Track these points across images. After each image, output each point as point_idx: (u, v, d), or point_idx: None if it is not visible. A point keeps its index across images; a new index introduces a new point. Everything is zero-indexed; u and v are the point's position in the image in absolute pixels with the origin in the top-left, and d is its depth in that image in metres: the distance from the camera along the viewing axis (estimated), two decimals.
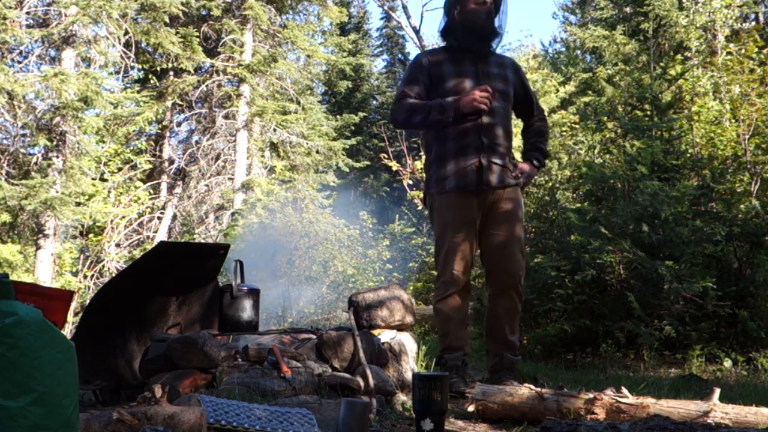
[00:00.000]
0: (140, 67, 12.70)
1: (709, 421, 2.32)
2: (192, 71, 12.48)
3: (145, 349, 2.81)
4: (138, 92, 12.42)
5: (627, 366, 4.65)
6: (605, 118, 6.67)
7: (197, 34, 12.19)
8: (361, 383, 2.55)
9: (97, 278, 11.33)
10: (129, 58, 10.76)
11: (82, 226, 11.66)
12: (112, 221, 11.86)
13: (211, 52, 12.99)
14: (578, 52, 14.74)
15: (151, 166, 13.80)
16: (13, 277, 8.67)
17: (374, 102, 22.38)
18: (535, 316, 5.51)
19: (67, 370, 1.32)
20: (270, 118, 12.53)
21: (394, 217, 9.52)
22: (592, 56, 13.79)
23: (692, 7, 9.08)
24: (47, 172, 9.78)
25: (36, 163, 10.09)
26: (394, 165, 9.71)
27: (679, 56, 8.46)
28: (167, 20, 11.42)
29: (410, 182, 9.37)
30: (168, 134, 14.28)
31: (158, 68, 12.72)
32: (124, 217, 12.07)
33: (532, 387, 2.59)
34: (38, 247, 9.95)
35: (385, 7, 22.40)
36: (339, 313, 7.28)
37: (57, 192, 9.44)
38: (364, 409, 1.99)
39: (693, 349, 4.69)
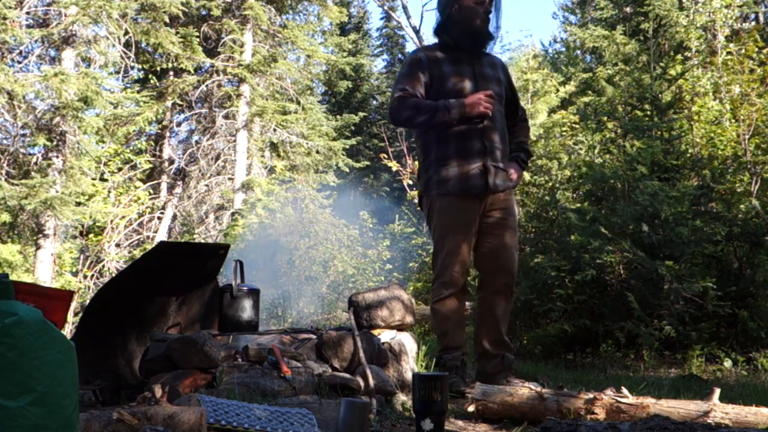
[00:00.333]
0: (140, 67, 12.70)
1: (709, 421, 2.32)
2: (192, 71, 12.48)
3: (145, 349, 2.81)
4: (138, 92, 12.42)
5: (627, 366, 4.65)
6: (605, 118, 6.67)
7: (197, 34, 12.19)
8: (361, 383, 2.55)
9: (97, 278, 11.33)
10: (129, 58, 10.76)
11: (82, 226, 11.66)
12: (112, 221, 11.86)
13: (211, 52, 12.99)
14: (578, 52, 14.74)
15: (151, 166, 13.80)
16: (13, 277, 8.67)
17: (374, 102, 22.38)
18: (535, 316, 5.51)
19: (67, 370, 1.32)
20: (270, 118, 12.53)
21: (394, 217, 9.50)
22: (592, 56, 13.80)
23: (692, 7, 9.08)
24: (47, 172, 9.79)
25: (36, 163, 10.09)
26: (394, 165, 9.70)
27: (679, 56, 8.46)
28: (167, 20, 11.42)
29: (410, 182, 9.37)
30: (168, 134, 14.28)
31: (158, 68, 12.72)
32: (124, 217, 12.07)
33: (532, 387, 2.59)
34: (38, 247, 9.95)
35: (385, 7, 22.40)
36: (339, 313, 7.27)
37: (57, 192, 9.44)
38: (364, 409, 1.99)
39: (693, 349, 4.69)
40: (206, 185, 12.95)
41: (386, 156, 10.35)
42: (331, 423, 2.07)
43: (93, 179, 10.83)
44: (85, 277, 11.24)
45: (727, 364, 4.55)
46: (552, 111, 10.83)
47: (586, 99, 10.74)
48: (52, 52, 10.80)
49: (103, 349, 2.78)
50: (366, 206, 10.10)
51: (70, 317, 7.13)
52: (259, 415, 1.97)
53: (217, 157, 13.08)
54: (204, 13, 13.00)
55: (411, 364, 3.01)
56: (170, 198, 13.54)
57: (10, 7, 8.98)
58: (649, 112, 6.12)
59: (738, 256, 5.30)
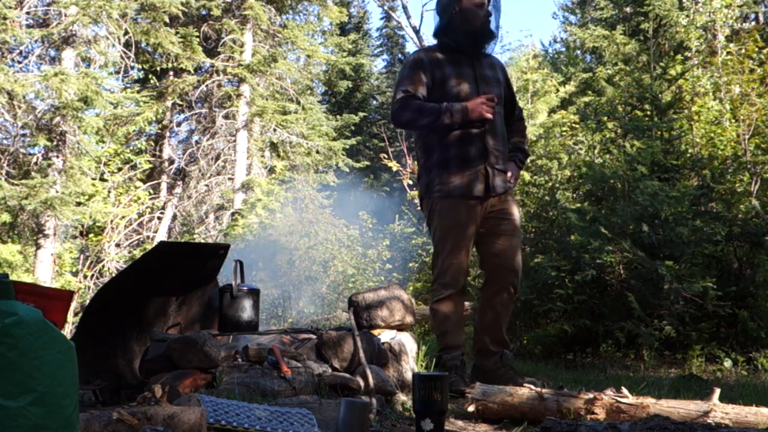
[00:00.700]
0: (140, 67, 12.69)
1: (709, 421, 2.32)
2: (192, 71, 12.48)
3: (145, 349, 2.81)
4: (138, 92, 12.41)
5: (627, 366, 4.65)
6: (605, 118, 6.67)
7: (197, 34, 12.18)
8: (361, 383, 2.55)
9: (97, 278, 11.33)
10: (129, 58, 10.75)
11: (82, 226, 11.66)
12: (112, 221, 11.86)
13: (211, 52, 12.99)
14: (578, 52, 14.73)
15: (151, 166, 13.79)
16: (13, 277, 8.67)
17: (374, 102, 22.37)
18: (535, 316, 5.51)
19: (67, 370, 1.32)
20: (270, 118, 12.53)
21: (394, 217, 9.50)
22: (592, 56, 13.79)
23: (692, 7, 9.07)
24: (47, 172, 9.78)
25: (36, 163, 10.09)
26: (394, 165, 9.70)
27: (679, 56, 8.45)
28: (167, 20, 11.42)
29: (410, 182, 9.36)
30: (168, 134, 14.28)
31: (158, 68, 12.71)
32: (124, 217, 12.06)
33: (532, 387, 2.59)
34: (38, 247, 9.95)
35: (385, 7, 22.39)
36: (339, 313, 7.27)
37: (57, 192, 9.43)
38: (364, 409, 1.99)
39: (693, 349, 4.69)
40: (206, 185, 12.95)
41: (386, 156, 10.35)
42: (331, 423, 2.07)
43: (93, 179, 10.83)
44: (85, 277, 11.24)
45: (727, 364, 4.55)
46: (552, 111, 10.82)
47: (586, 99, 10.73)
48: (52, 52, 10.80)
49: (103, 349, 2.78)
50: (366, 206, 10.09)
51: (70, 317, 7.13)
52: (259, 415, 1.97)
53: (217, 157, 13.08)
54: (204, 13, 13.00)
55: (411, 364, 3.01)
56: (170, 198, 13.53)
57: (10, 7, 8.98)
58: (649, 112, 6.12)
59: (738, 256, 5.30)
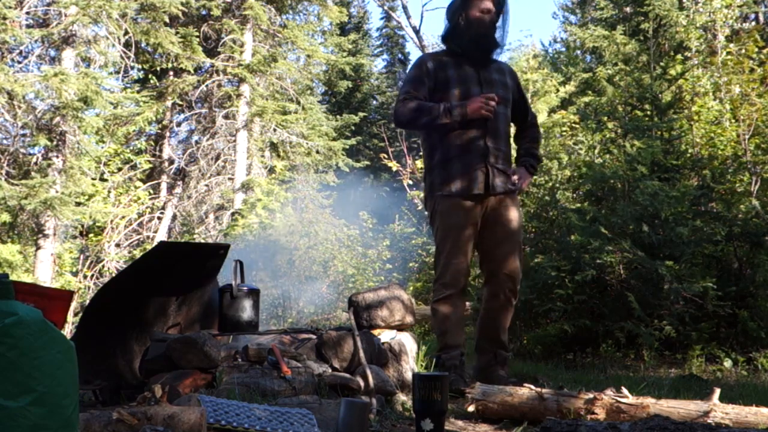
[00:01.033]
0: (140, 67, 12.69)
1: (709, 421, 2.32)
2: (192, 71, 12.48)
3: (145, 349, 2.81)
4: (138, 92, 12.41)
5: (627, 366, 4.65)
6: (605, 118, 6.67)
7: (197, 34, 12.18)
8: (361, 383, 2.55)
9: (97, 278, 11.33)
10: (129, 58, 10.75)
11: (82, 226, 11.66)
12: (112, 221, 11.86)
13: (211, 52, 12.99)
14: (578, 52, 14.73)
15: (151, 166, 13.79)
16: (13, 277, 8.67)
17: (374, 102, 22.37)
18: (535, 316, 5.51)
19: (67, 370, 1.32)
20: (270, 118, 12.53)
21: (394, 217, 9.50)
22: (592, 56, 13.79)
23: (692, 7, 9.07)
24: (47, 172, 9.78)
25: (36, 163, 10.09)
26: (394, 165, 9.70)
27: (679, 56, 8.46)
28: (167, 20, 11.42)
29: (410, 182, 9.37)
30: (168, 134, 14.28)
31: (158, 68, 12.71)
32: (124, 217, 12.06)
33: (532, 387, 2.59)
34: (38, 247, 9.95)
35: (385, 7, 22.39)
36: (339, 313, 7.27)
37: (57, 192, 9.43)
38: (364, 409, 1.99)
39: (693, 349, 4.69)
40: (206, 185, 12.94)
41: (386, 156, 10.35)
42: (331, 423, 2.07)
43: (93, 179, 10.83)
44: (85, 277, 11.24)
45: (727, 364, 4.55)
46: (552, 111, 10.82)
47: (586, 99, 10.74)
48: (52, 52, 10.80)
49: (103, 349, 2.78)
50: (366, 206, 10.09)
51: (70, 317, 7.13)
52: (259, 415, 1.97)
53: (217, 157, 13.08)
54: (204, 13, 13.00)
55: (411, 364, 3.01)
56: (170, 198, 13.53)
57: (10, 7, 8.98)
58: (649, 112, 6.12)
59: (738, 256, 5.30)
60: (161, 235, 12.85)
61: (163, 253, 2.94)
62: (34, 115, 9.76)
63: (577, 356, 5.12)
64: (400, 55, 24.61)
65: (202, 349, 2.51)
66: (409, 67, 3.49)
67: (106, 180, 12.14)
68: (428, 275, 7.91)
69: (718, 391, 2.47)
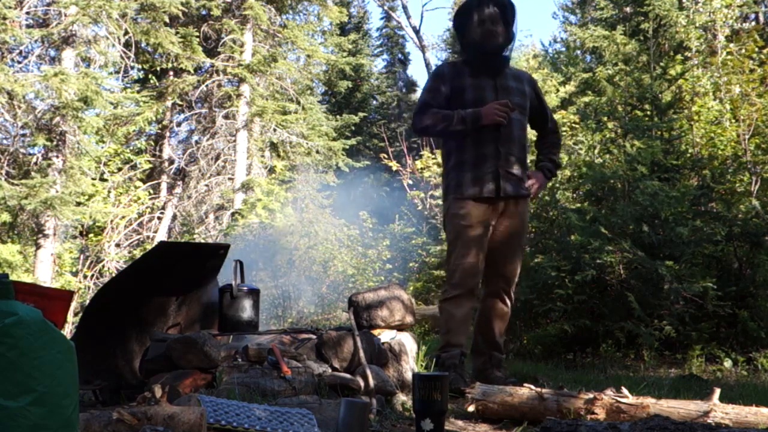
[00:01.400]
0: (140, 67, 12.68)
1: (709, 421, 2.32)
2: (192, 71, 12.47)
3: (145, 349, 2.81)
4: (138, 92, 12.40)
5: (627, 366, 4.65)
6: (605, 118, 6.67)
7: (197, 34, 12.17)
8: (361, 383, 2.55)
9: (97, 278, 11.32)
10: (129, 58, 10.74)
11: (82, 226, 11.65)
12: (112, 221, 11.85)
13: (211, 52, 12.98)
14: (578, 52, 14.73)
15: (151, 166, 13.79)
16: (13, 277, 8.67)
17: (374, 102, 22.37)
18: (535, 316, 5.51)
19: (67, 370, 1.32)
20: (270, 118, 12.52)
21: (394, 217, 9.51)
22: (592, 56, 13.78)
23: (692, 7, 9.06)
24: (47, 172, 9.78)
25: (36, 163, 10.08)
26: (394, 165, 9.71)
27: (679, 56, 8.46)
28: (167, 20, 11.41)
29: (410, 182, 9.37)
30: (168, 134, 14.27)
31: (158, 68, 12.70)
32: (124, 217, 12.06)
33: (532, 387, 2.59)
34: (38, 247, 9.94)
35: (385, 7, 22.41)
36: (339, 313, 7.27)
37: (57, 192, 9.43)
38: (364, 409, 1.99)
39: (693, 349, 4.69)
40: (206, 185, 12.94)
41: (386, 156, 10.35)
42: (331, 423, 2.07)
43: (93, 179, 10.82)
44: (85, 277, 11.23)
45: (727, 364, 4.55)
46: (552, 111, 10.80)
47: (586, 99, 10.74)
48: (52, 52, 10.79)
49: (103, 349, 2.78)
50: (366, 206, 10.10)
51: (70, 317, 7.13)
52: (259, 415, 1.97)
53: (217, 157, 13.07)
54: (204, 13, 12.99)
55: (411, 364, 3.01)
56: (170, 198, 13.53)
57: (10, 7, 8.98)
58: (649, 112, 6.12)
59: (738, 256, 5.30)
60: (161, 235, 12.85)
61: (163, 253, 2.94)
62: (34, 115, 9.76)
63: (577, 356, 5.12)
64: (400, 55, 24.61)
65: (202, 349, 2.51)
66: (429, 76, 3.57)
67: (106, 180, 12.14)
68: (428, 275, 7.92)
69: (718, 391, 2.47)
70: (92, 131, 10.47)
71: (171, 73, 13.11)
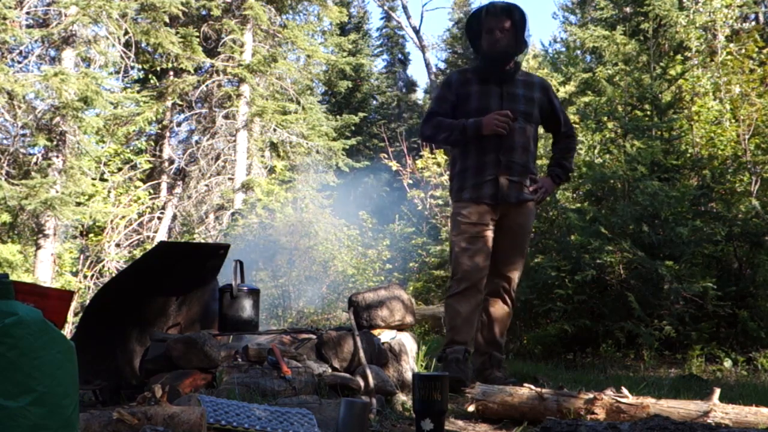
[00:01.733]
0: (140, 67, 12.68)
1: (709, 421, 2.31)
2: (192, 71, 12.47)
3: (145, 349, 2.81)
4: (138, 92, 12.40)
5: (627, 366, 4.65)
6: (605, 118, 6.67)
7: (197, 34, 12.17)
8: (361, 383, 2.55)
9: (97, 278, 11.32)
10: (129, 58, 10.75)
11: (82, 226, 11.66)
12: (112, 221, 11.85)
13: (211, 52, 12.98)
14: (578, 52, 14.71)
15: (151, 166, 13.79)
16: (13, 277, 8.66)
17: (374, 102, 22.36)
18: (535, 316, 5.51)
19: (67, 370, 1.32)
20: (270, 118, 12.52)
21: (394, 217, 9.51)
22: (592, 56, 13.77)
23: (692, 7, 9.06)
24: (47, 172, 9.78)
25: (36, 163, 10.08)
26: (394, 165, 9.70)
27: (679, 56, 8.45)
28: (167, 20, 11.41)
29: (410, 182, 9.37)
30: (168, 134, 14.27)
31: (158, 68, 12.71)
32: (124, 217, 12.06)
33: (532, 387, 2.59)
34: (38, 247, 9.94)
35: (385, 7, 22.41)
36: (339, 313, 7.27)
37: (57, 192, 9.43)
38: (364, 409, 1.99)
39: (693, 349, 4.69)
40: (206, 185, 12.94)
41: (386, 156, 10.35)
42: (331, 423, 2.07)
43: (93, 179, 10.82)
44: (85, 277, 11.23)
45: (727, 364, 4.55)
46: None
47: (586, 99, 10.73)
48: (52, 52, 10.79)
49: (103, 349, 2.78)
50: (366, 206, 10.10)
51: (70, 317, 7.13)
52: (259, 415, 1.97)
53: (217, 157, 13.07)
54: (204, 13, 12.99)
55: (411, 364, 3.01)
56: (170, 198, 13.53)
57: (10, 7, 8.98)
58: (649, 112, 6.11)
59: (738, 256, 5.30)
60: (161, 235, 12.85)
61: (163, 253, 2.94)
62: (34, 115, 9.75)
63: (577, 356, 5.12)
64: (400, 55, 24.62)
65: (202, 349, 2.51)
66: (439, 83, 3.69)
67: (106, 180, 12.14)
68: (428, 275, 7.91)
69: (718, 391, 2.47)
70: (92, 131, 10.47)
71: (171, 73, 13.11)
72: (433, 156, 9.17)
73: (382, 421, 2.30)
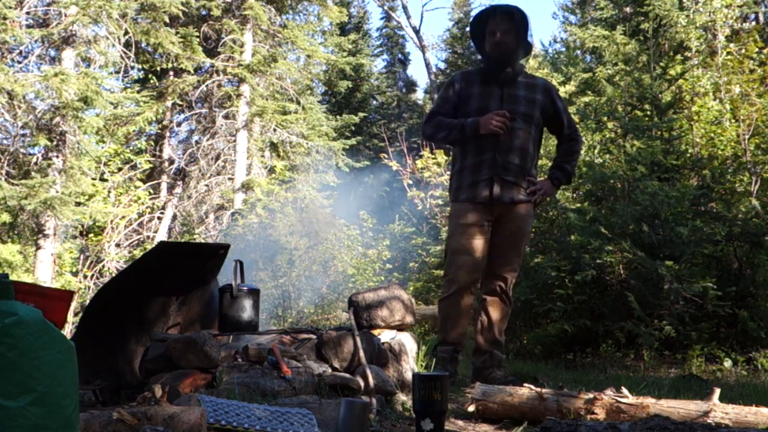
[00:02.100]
0: (140, 67, 12.68)
1: (709, 421, 2.32)
2: (192, 71, 12.47)
3: (145, 349, 2.81)
4: (138, 92, 12.39)
5: (627, 366, 4.65)
6: (605, 118, 6.67)
7: (197, 34, 12.17)
8: (361, 383, 2.55)
9: (97, 278, 11.32)
10: (129, 58, 10.74)
11: (82, 226, 11.65)
12: (112, 221, 11.85)
13: (211, 52, 12.98)
14: (578, 52, 14.72)
15: (151, 166, 13.78)
16: (13, 277, 8.66)
17: (374, 102, 22.36)
18: (535, 316, 5.50)
19: (67, 370, 1.32)
20: (270, 118, 12.52)
21: (394, 217, 9.51)
22: (592, 56, 13.77)
23: (692, 7, 9.06)
24: (47, 172, 9.77)
25: (36, 163, 10.08)
26: (394, 165, 9.70)
27: (679, 56, 8.45)
28: (167, 20, 11.41)
29: (410, 182, 9.36)
30: (168, 134, 14.27)
31: (158, 68, 12.70)
32: (124, 217, 12.06)
33: (532, 387, 2.59)
34: (38, 247, 9.94)
35: (385, 7, 22.41)
36: (339, 313, 7.27)
37: (57, 192, 9.43)
38: (364, 409, 1.99)
39: (693, 349, 4.69)
40: (206, 185, 12.94)
41: (386, 156, 10.34)
42: (331, 423, 2.07)
43: (93, 179, 10.82)
44: (85, 277, 11.23)
45: (727, 364, 4.55)
46: None
47: (586, 99, 10.72)
48: (52, 52, 10.79)
49: (103, 349, 2.78)
50: (366, 206, 10.10)
51: (70, 317, 7.13)
52: (259, 415, 1.97)
53: (217, 157, 13.07)
54: (204, 13, 12.99)
55: (411, 364, 3.01)
56: (170, 198, 13.52)
57: (10, 7, 8.97)
58: (649, 112, 6.11)
59: (738, 256, 5.30)
60: (161, 235, 12.84)
61: (163, 253, 2.94)
62: (34, 115, 9.75)
63: (577, 356, 5.12)
64: (400, 55, 24.61)
65: (202, 349, 2.51)
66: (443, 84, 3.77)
67: (106, 180, 12.13)
68: (428, 275, 7.91)
69: (718, 391, 2.47)
70: (92, 131, 10.46)
71: (171, 73, 13.11)
72: (433, 156, 9.17)
73: (382, 421, 2.30)
